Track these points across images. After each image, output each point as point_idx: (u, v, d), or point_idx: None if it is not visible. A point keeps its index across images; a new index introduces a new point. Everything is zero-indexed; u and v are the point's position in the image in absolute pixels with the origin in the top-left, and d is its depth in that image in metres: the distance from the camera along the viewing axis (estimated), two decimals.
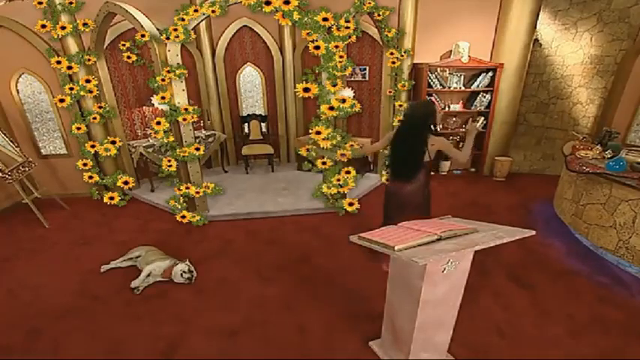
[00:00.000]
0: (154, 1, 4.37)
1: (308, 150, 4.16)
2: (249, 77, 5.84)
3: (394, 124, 5.08)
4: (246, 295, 2.87)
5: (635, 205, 2.93)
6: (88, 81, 4.22)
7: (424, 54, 5.22)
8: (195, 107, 3.88)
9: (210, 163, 6.09)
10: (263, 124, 5.94)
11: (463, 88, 5.30)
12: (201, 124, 5.60)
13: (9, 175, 3.90)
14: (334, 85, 3.77)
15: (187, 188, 4.04)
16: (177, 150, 3.86)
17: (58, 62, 4.07)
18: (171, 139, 3.85)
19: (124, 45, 4.75)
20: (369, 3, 4.03)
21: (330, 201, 4.33)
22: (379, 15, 4.37)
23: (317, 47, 3.66)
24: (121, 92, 4.97)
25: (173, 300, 2.82)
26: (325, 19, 3.56)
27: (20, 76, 4.35)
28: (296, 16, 3.49)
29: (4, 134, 4.10)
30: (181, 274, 2.95)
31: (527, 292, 2.86)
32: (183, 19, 3.49)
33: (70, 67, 4.13)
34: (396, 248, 1.57)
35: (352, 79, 5.55)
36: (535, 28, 4.95)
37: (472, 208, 4.46)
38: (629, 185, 2.94)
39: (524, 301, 2.76)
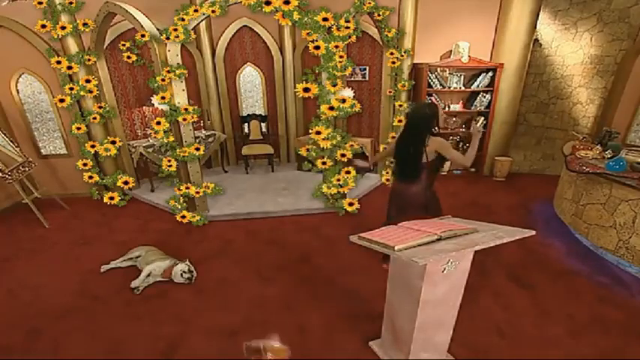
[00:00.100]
0: (154, 1, 4.37)
1: (308, 150, 4.15)
2: (249, 77, 5.84)
3: (394, 124, 5.08)
4: (246, 295, 2.87)
5: (635, 205, 2.93)
6: (88, 81, 4.23)
7: (424, 54, 5.22)
8: (195, 107, 3.88)
9: (210, 163, 6.09)
10: (263, 124, 5.94)
11: (463, 88, 5.30)
12: (201, 124, 5.60)
13: (9, 175, 3.90)
14: (334, 85, 3.77)
15: (187, 188, 4.04)
16: (177, 150, 3.86)
17: (58, 62, 4.07)
18: (171, 139, 3.85)
19: (124, 45, 4.75)
20: (369, 3, 4.03)
21: (330, 201, 4.33)
22: (379, 15, 4.37)
23: (317, 47, 3.66)
24: (121, 92, 4.97)
25: (173, 300, 2.82)
26: (325, 19, 3.56)
27: (20, 76, 4.35)
28: (296, 16, 3.49)
29: (4, 134, 4.10)
30: (181, 274, 2.95)
31: (527, 292, 2.86)
32: (183, 19, 3.49)
33: (70, 67, 4.13)
34: (396, 248, 1.57)
35: (352, 79, 5.55)
36: (535, 28, 4.95)
37: (472, 208, 4.46)
38: (629, 185, 2.94)
39: (524, 301, 2.76)
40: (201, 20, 3.62)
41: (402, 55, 4.81)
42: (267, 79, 5.86)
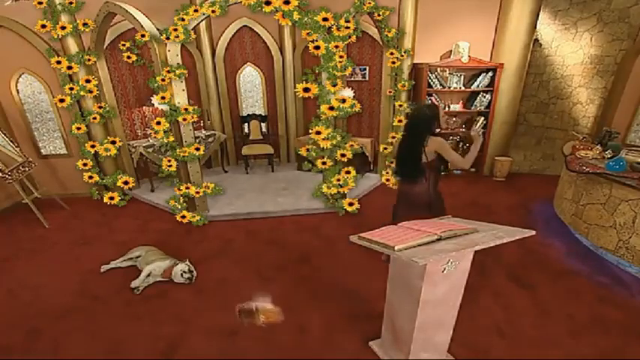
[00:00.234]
0: (154, 1, 4.37)
1: (308, 150, 4.15)
2: (249, 77, 5.84)
3: (394, 124, 5.08)
4: (247, 296, 2.86)
5: (635, 205, 2.93)
6: (88, 81, 4.22)
7: (424, 54, 5.22)
8: (195, 107, 3.88)
9: (210, 163, 6.09)
10: (263, 124, 5.94)
11: (463, 88, 5.30)
12: (201, 124, 5.60)
13: (9, 175, 3.90)
14: (334, 85, 3.77)
15: (187, 188, 4.04)
16: (177, 150, 3.86)
17: (58, 62, 4.07)
18: (171, 139, 3.85)
19: (124, 45, 4.75)
20: (369, 3, 4.03)
21: (330, 201, 4.33)
22: (379, 15, 4.37)
23: (317, 47, 3.66)
24: (121, 92, 4.97)
25: (173, 300, 2.82)
26: (325, 19, 3.56)
27: (20, 76, 4.35)
28: (296, 16, 3.49)
29: (4, 134, 4.10)
30: (181, 274, 2.95)
31: (527, 292, 2.86)
32: (183, 19, 3.49)
33: (70, 67, 4.13)
34: (396, 248, 1.57)
35: (352, 79, 5.54)
36: (535, 28, 4.95)
37: (472, 208, 4.46)
38: (629, 185, 2.94)
39: (524, 301, 2.76)
40: (201, 20, 3.62)
41: (402, 55, 4.81)
42: (267, 79, 5.86)
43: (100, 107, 4.46)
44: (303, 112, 6.08)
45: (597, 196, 3.29)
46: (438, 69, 5.18)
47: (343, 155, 4.06)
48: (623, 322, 2.52)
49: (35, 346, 2.38)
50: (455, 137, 5.64)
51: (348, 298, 2.80)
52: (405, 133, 2.79)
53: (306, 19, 3.53)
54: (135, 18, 3.60)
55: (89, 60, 4.24)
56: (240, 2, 3.46)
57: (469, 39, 5.08)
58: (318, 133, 3.88)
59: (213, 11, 3.48)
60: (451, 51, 5.21)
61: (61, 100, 4.25)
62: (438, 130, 2.77)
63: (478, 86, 5.24)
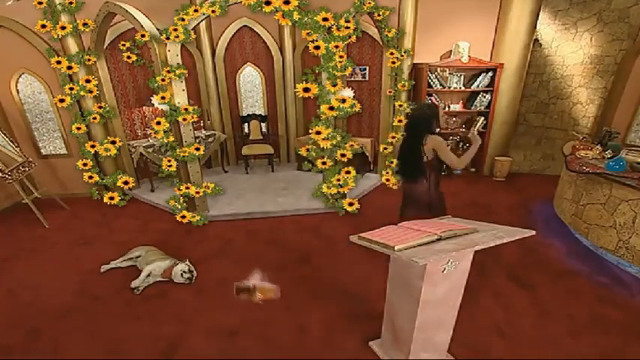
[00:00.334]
0: (154, 1, 4.37)
1: (308, 150, 4.15)
2: (249, 77, 5.84)
3: (394, 124, 5.08)
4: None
5: (635, 205, 2.93)
6: (88, 81, 4.22)
7: (424, 54, 5.22)
8: (195, 107, 3.88)
9: (210, 163, 6.09)
10: (263, 124, 5.94)
11: (463, 88, 5.30)
12: (201, 124, 5.60)
13: (9, 175, 3.90)
14: (334, 85, 3.77)
15: (187, 188, 4.04)
16: (177, 150, 3.86)
17: (58, 62, 4.07)
18: (171, 139, 3.85)
19: (124, 45, 4.75)
20: (369, 3, 4.03)
21: (330, 201, 4.33)
22: (379, 15, 4.37)
23: (317, 47, 3.66)
24: (121, 92, 4.97)
25: (173, 300, 2.82)
26: (325, 19, 3.56)
27: (20, 76, 4.35)
28: (296, 16, 3.49)
29: (4, 134, 4.10)
30: (181, 274, 2.95)
31: (527, 292, 2.86)
32: (183, 19, 3.49)
33: (70, 67, 4.13)
34: (396, 248, 1.57)
35: (352, 79, 5.54)
36: (535, 28, 4.95)
37: (472, 208, 4.46)
38: (629, 185, 2.94)
39: (524, 301, 2.76)
40: (201, 20, 3.62)
41: (402, 55, 4.81)
42: (267, 79, 5.86)
43: (100, 107, 4.46)
44: (303, 112, 6.08)
45: (597, 196, 3.29)
46: (438, 69, 5.18)
47: (343, 155, 4.06)
48: (623, 322, 2.52)
49: (35, 346, 2.38)
50: (455, 137, 5.64)
51: (348, 298, 2.80)
52: (406, 132, 2.81)
53: (306, 19, 3.53)
54: (135, 18, 3.60)
55: (89, 60, 4.24)
56: (240, 2, 3.46)
57: (469, 39, 5.08)
58: (318, 133, 3.88)
59: (213, 11, 3.48)
60: (451, 51, 5.21)
61: (61, 100, 4.25)
62: (438, 130, 2.78)
63: (478, 86, 5.24)
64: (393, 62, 4.78)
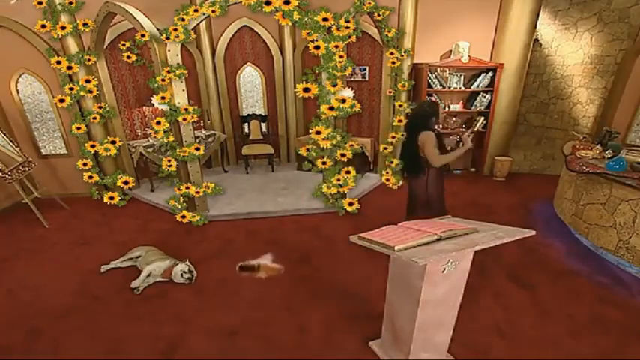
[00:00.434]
0: (154, 1, 4.37)
1: (308, 150, 4.15)
2: (249, 77, 5.84)
3: (394, 124, 5.08)
4: (246, 295, 2.87)
5: (635, 205, 2.93)
6: (88, 81, 4.22)
7: (424, 54, 5.22)
8: (195, 107, 3.88)
9: (210, 163, 6.09)
10: (263, 124, 5.94)
11: (463, 88, 5.30)
12: (201, 124, 5.60)
13: (9, 175, 3.90)
14: (334, 85, 3.76)
15: (187, 188, 4.04)
16: (177, 150, 3.86)
17: (58, 62, 4.07)
18: (171, 139, 3.85)
19: (124, 45, 4.75)
20: (369, 3, 4.03)
21: (330, 201, 4.33)
22: (379, 15, 4.36)
23: (317, 47, 3.66)
24: (121, 92, 4.97)
25: (173, 300, 2.82)
26: (325, 19, 3.56)
27: (20, 76, 4.35)
28: (296, 16, 3.49)
29: (4, 134, 4.10)
30: (181, 274, 2.95)
31: (527, 292, 2.86)
32: (183, 19, 3.49)
33: (70, 67, 4.13)
34: (396, 248, 1.57)
35: (352, 79, 5.54)
36: (535, 28, 4.95)
37: (472, 208, 4.46)
38: (629, 185, 2.94)
39: (524, 301, 2.76)
40: (201, 20, 3.62)
41: (402, 55, 4.80)
42: (267, 79, 5.86)
43: (100, 107, 4.46)
44: (303, 112, 6.08)
45: (597, 196, 3.29)
46: (438, 69, 5.18)
47: (343, 155, 4.06)
48: (623, 322, 2.52)
49: (35, 346, 2.38)
50: (455, 137, 5.63)
51: (348, 298, 2.80)
52: (406, 129, 2.85)
53: (306, 19, 3.53)
54: (135, 18, 3.60)
55: (89, 60, 4.24)
56: (240, 2, 3.46)
57: (469, 39, 5.08)
58: (318, 133, 3.88)
59: (213, 11, 3.48)
60: (451, 51, 5.21)
61: (61, 100, 4.25)
62: (439, 127, 2.81)
63: (478, 86, 5.24)
64: (393, 62, 4.78)
